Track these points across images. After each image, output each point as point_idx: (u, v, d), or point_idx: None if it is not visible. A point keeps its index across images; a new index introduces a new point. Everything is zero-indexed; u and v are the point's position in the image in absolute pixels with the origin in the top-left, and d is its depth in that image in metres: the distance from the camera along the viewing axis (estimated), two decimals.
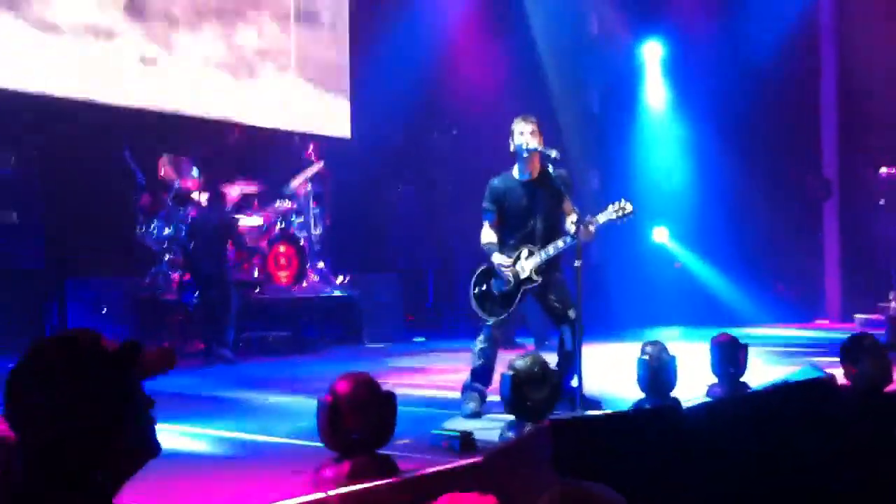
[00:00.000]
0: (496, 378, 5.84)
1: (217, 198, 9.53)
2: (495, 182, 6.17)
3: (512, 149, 6.08)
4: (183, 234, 9.33)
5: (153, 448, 1.91)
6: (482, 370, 6.03)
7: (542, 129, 6.11)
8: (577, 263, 5.70)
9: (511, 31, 12.71)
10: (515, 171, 6.15)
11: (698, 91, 12.82)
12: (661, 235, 12.61)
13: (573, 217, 5.92)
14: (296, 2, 12.02)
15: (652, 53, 13.42)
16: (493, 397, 5.84)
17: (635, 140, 13.32)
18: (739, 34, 12.09)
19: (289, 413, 6.08)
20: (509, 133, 6.07)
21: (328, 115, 12.18)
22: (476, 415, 5.83)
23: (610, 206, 5.98)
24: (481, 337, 6.08)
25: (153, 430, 1.92)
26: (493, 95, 11.77)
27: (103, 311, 8.93)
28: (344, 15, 12.50)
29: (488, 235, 6.10)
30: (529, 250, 6.01)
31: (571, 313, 5.96)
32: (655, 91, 13.51)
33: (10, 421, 1.84)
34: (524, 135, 6.02)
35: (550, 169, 6.07)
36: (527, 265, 5.98)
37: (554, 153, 5.94)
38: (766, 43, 11.85)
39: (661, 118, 13.40)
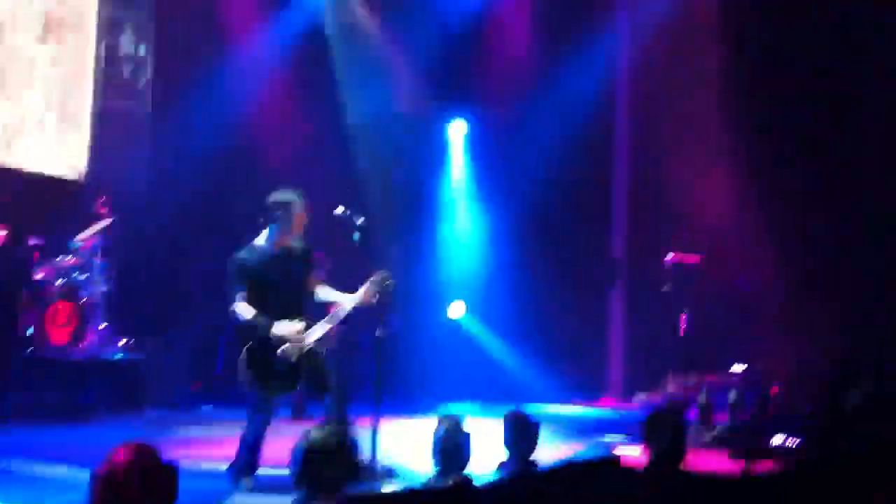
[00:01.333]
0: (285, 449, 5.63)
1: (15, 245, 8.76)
2: (239, 257, 5.95)
3: (283, 218, 5.93)
4: None
5: None
6: (254, 447, 5.83)
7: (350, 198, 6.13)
8: (378, 333, 5.68)
9: (320, 98, 12.72)
10: (263, 242, 6.01)
11: (498, 170, 13.23)
12: (456, 310, 12.78)
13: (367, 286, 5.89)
14: (96, 51, 11.60)
15: (457, 132, 13.77)
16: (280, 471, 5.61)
17: (437, 216, 13.55)
18: (539, 116, 12.61)
19: (60, 485, 5.64)
20: (281, 204, 5.95)
21: (124, 165, 11.66)
22: (249, 490, 5.62)
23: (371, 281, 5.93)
24: (253, 411, 5.89)
25: None
26: (298, 161, 11.67)
27: None
28: (147, 64, 12.14)
29: (249, 309, 5.80)
30: (306, 322, 5.89)
31: (333, 379, 5.93)
32: (458, 168, 13.83)
33: None
34: (303, 209, 5.95)
35: (356, 236, 6.03)
36: (310, 337, 5.86)
37: (360, 219, 5.95)
38: (564, 126, 12.40)
39: (463, 195, 13.71)
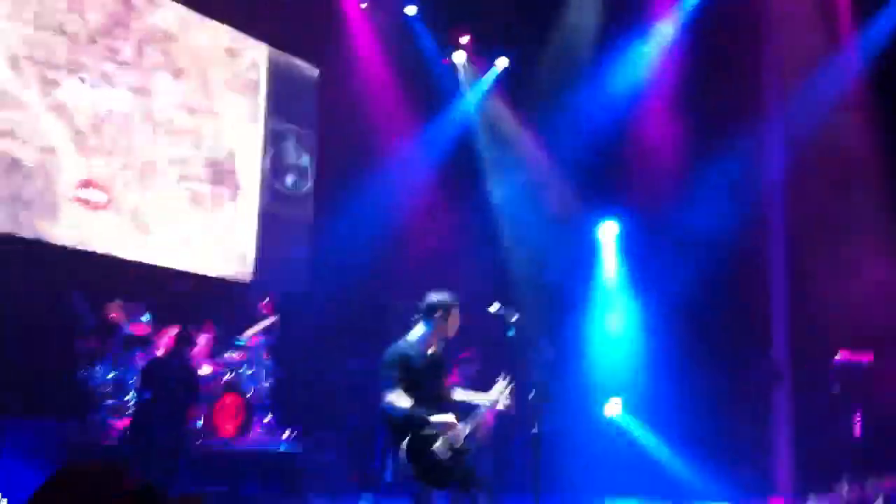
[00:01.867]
0: None
1: (182, 343, 9.20)
2: (400, 349, 5.95)
3: (440, 321, 5.98)
4: (132, 379, 9.06)
5: None
6: None
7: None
8: (534, 430, 5.67)
9: (472, 201, 13.02)
10: (419, 342, 6.02)
11: (652, 270, 13.08)
12: (613, 408, 12.53)
13: (498, 386, 5.90)
14: (262, 162, 12.31)
15: (608, 232, 13.78)
16: None
17: (590, 314, 13.46)
18: (694, 216, 12.46)
19: None
20: (440, 306, 6.01)
21: (288, 268, 12.24)
22: None
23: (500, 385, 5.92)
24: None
25: None
26: (450, 264, 11.90)
27: (48, 457, 8.52)
28: (310, 173, 12.80)
29: (405, 400, 5.72)
30: (452, 416, 5.83)
31: (479, 474, 5.83)
32: (611, 268, 13.78)
33: None
34: (457, 315, 6.04)
35: (511, 332, 6.04)
36: (459, 431, 5.80)
37: (516, 316, 5.99)
38: (718, 224, 12.21)
39: (616, 295, 13.61)
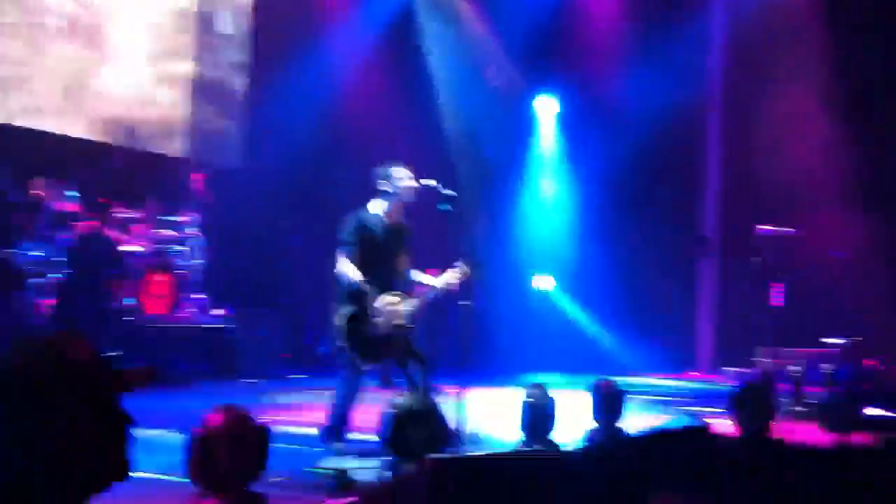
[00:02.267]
0: (375, 417, 5.72)
1: (106, 220, 9.10)
2: (362, 215, 6.08)
3: (390, 190, 6.03)
4: (57, 258, 8.91)
5: (120, 471, 1.68)
6: (345, 411, 5.92)
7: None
8: (465, 303, 5.71)
9: (411, 72, 12.79)
10: (378, 210, 6.10)
11: (587, 145, 13.10)
12: (543, 282, 12.74)
13: (453, 272, 5.94)
14: (196, 24, 11.86)
15: (545, 107, 13.69)
16: (374, 437, 5.70)
17: (524, 189, 13.51)
18: (629, 92, 12.43)
19: (155, 447, 5.79)
20: (385, 175, 6.05)
21: (220, 142, 11.97)
22: (340, 454, 5.71)
23: (458, 266, 5.99)
24: (345, 378, 5.96)
25: (125, 451, 1.70)
26: (389, 136, 11.74)
27: None
28: (244, 43, 12.39)
29: (357, 273, 5.89)
30: (398, 295, 5.94)
31: (416, 349, 5.96)
32: (547, 143, 13.76)
33: None
34: (407, 182, 6.03)
35: (445, 207, 6.02)
36: (402, 310, 5.90)
37: (451, 192, 5.96)
38: (654, 102, 12.20)
39: (551, 169, 13.64)
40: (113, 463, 1.69)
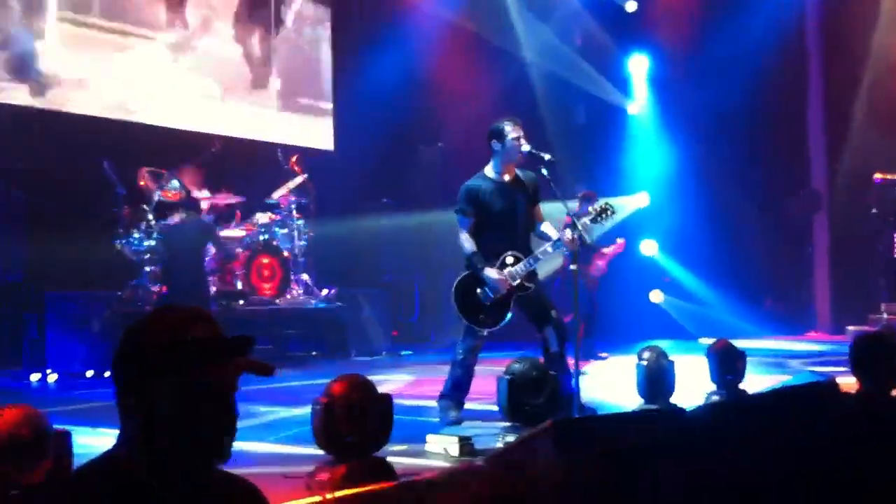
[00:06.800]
0: (492, 384, 5.74)
1: (193, 206, 9.37)
2: (471, 183, 5.99)
3: (498, 148, 5.94)
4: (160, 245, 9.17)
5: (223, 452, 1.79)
6: (462, 380, 5.88)
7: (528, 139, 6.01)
8: (573, 267, 5.61)
9: (497, 44, 12.66)
10: (491, 172, 6.00)
11: (685, 104, 12.77)
12: (649, 248, 12.45)
13: (553, 227, 5.86)
14: (276, 17, 11.98)
15: (637, 67, 13.40)
16: (490, 406, 5.72)
17: (622, 152, 13.25)
18: (726, 49, 12.03)
19: (277, 422, 5.92)
20: (494, 133, 5.94)
21: (312, 127, 12.10)
22: (458, 422, 5.69)
23: (591, 209, 5.91)
24: (463, 347, 5.91)
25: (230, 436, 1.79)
26: (478, 108, 11.66)
27: (92, 328, 8.70)
28: (326, 29, 12.48)
29: (470, 243, 5.87)
30: (515, 256, 5.84)
31: (554, 314, 5.86)
32: (641, 104, 13.47)
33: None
34: (517, 137, 5.90)
35: (544, 172, 5.91)
36: (517, 272, 5.81)
37: (548, 156, 5.84)
38: (752, 56, 11.81)
39: (648, 131, 13.33)
40: (227, 433, 1.78)
